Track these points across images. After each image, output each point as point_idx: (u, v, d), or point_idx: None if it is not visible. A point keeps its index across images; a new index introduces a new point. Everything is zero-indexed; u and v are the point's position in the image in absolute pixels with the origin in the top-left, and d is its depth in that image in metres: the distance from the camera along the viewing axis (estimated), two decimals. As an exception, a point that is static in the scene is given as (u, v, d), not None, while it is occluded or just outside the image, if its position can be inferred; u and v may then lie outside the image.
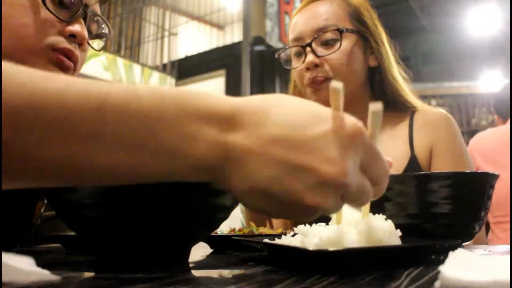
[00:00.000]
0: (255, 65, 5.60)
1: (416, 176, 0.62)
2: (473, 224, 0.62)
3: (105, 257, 0.49)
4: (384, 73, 1.06)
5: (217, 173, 0.35)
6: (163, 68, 4.99)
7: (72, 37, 0.70)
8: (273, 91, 5.69)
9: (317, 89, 1.02)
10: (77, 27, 0.70)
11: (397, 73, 1.08)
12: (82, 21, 0.72)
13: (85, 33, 0.72)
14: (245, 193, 0.35)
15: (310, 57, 1.02)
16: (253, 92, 5.51)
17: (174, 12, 5.54)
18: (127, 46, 4.90)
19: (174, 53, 5.34)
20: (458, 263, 0.38)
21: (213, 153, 0.34)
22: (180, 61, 5.68)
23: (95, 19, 0.77)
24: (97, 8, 0.76)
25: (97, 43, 0.84)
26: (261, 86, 5.73)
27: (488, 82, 5.93)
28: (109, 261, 0.48)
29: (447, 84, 5.87)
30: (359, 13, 1.06)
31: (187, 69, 6.18)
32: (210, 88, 6.92)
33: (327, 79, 1.01)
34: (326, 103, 0.94)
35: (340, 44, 1.01)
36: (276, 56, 1.13)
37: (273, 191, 0.34)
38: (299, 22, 1.06)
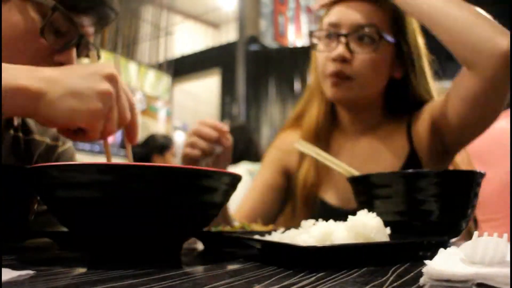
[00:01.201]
0: (250, 64, 5.61)
1: (404, 174, 0.63)
2: (460, 221, 0.62)
3: (96, 253, 0.49)
4: (411, 86, 1.04)
5: (38, 96, 0.50)
6: (159, 67, 4.98)
7: (60, 65, 0.72)
8: (266, 89, 5.71)
9: (336, 85, 0.99)
10: (67, 58, 0.72)
11: (431, 87, 1.06)
12: (74, 50, 0.74)
13: (74, 64, 0.74)
14: (60, 98, 0.51)
15: (341, 49, 0.97)
16: (248, 90, 5.51)
17: (170, 11, 5.53)
18: (124, 45, 4.89)
19: (170, 52, 5.34)
20: (443, 258, 0.39)
21: (34, 81, 0.50)
22: (176, 60, 5.67)
23: (88, 46, 0.78)
24: (91, 37, 0.78)
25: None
26: (255, 84, 5.73)
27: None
28: (101, 257, 0.48)
29: (439, 84, 5.89)
30: (401, 20, 1.01)
31: (183, 67, 6.18)
32: (206, 87, 6.92)
33: (349, 79, 0.97)
34: (343, 100, 1.05)
35: (376, 48, 0.97)
36: (308, 33, 1.07)
37: (79, 87, 0.52)
38: (341, 10, 1.01)
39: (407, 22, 1.02)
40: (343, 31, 0.98)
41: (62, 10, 0.69)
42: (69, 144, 0.98)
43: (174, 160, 3.18)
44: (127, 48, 4.87)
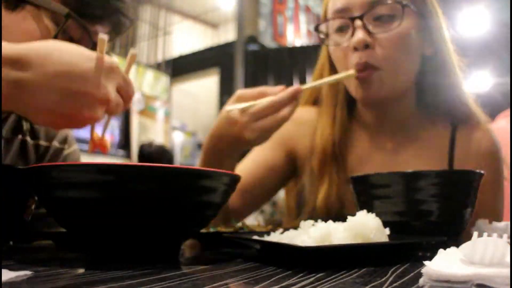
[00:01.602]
0: (249, 64, 5.61)
1: (404, 174, 0.62)
2: (459, 222, 0.62)
3: (95, 254, 0.49)
4: (441, 63, 0.88)
5: (14, 104, 0.48)
6: (158, 67, 4.97)
7: None
8: (267, 90, 5.69)
9: (365, 82, 0.84)
10: None
11: (456, 64, 0.90)
12: None
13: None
14: (37, 114, 0.49)
15: (360, 34, 0.81)
16: (246, 91, 5.50)
17: (169, 11, 5.52)
18: (122, 45, 4.88)
19: (169, 52, 5.33)
20: (443, 258, 0.39)
21: (7, 87, 0.46)
22: (175, 59, 5.66)
23: None
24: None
25: None
26: (254, 85, 5.72)
27: (477, 83, 5.98)
28: (99, 258, 0.48)
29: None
30: None
31: (181, 67, 6.17)
32: (204, 87, 6.91)
33: (376, 69, 0.82)
34: (374, 97, 0.92)
35: (400, 22, 0.81)
36: (314, 29, 0.91)
37: (59, 110, 0.48)
38: None
39: None
40: (356, 14, 0.83)
41: (76, 17, 0.68)
42: (74, 146, 0.99)
43: None
44: (125, 48, 4.86)
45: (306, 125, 0.99)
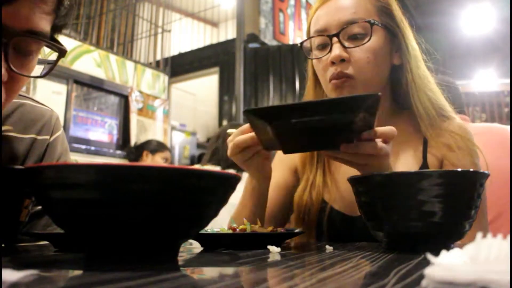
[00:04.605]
0: (249, 62, 5.61)
1: (406, 175, 0.62)
2: (463, 223, 0.62)
3: (92, 255, 0.49)
4: (407, 72, 0.99)
5: None
6: (156, 65, 4.96)
7: None
8: (266, 88, 5.70)
9: (339, 86, 0.95)
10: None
11: (425, 73, 1.01)
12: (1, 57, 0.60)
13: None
14: None
15: (337, 51, 0.94)
16: (247, 89, 5.51)
17: (168, 9, 5.51)
18: (120, 43, 4.87)
19: (168, 50, 5.31)
20: (446, 260, 0.39)
21: None
22: (174, 58, 5.66)
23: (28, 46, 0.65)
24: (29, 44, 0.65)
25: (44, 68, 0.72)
26: (254, 83, 5.73)
27: (482, 81, 5.99)
28: (97, 259, 0.48)
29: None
30: (388, 6, 0.99)
31: (180, 66, 6.17)
32: (204, 85, 6.91)
33: (350, 78, 0.94)
34: None
35: (370, 38, 0.94)
36: (299, 45, 1.04)
37: None
38: (323, 15, 0.99)
39: (394, 4, 1.00)
40: (333, 33, 0.96)
41: None
42: (58, 133, 0.98)
43: (162, 162, 3.30)
44: (124, 46, 4.85)
45: None
